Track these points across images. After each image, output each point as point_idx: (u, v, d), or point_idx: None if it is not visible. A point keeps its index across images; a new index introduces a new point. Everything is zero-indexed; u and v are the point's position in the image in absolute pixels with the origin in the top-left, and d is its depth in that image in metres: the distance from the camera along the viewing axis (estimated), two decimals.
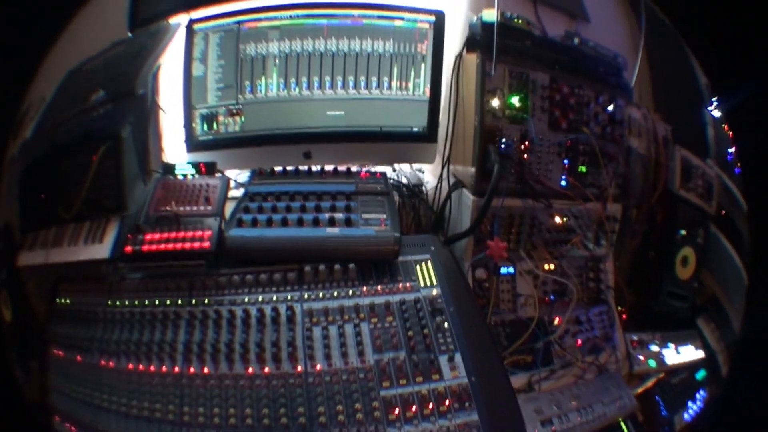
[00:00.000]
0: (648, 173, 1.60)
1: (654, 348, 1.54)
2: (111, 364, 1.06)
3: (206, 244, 1.17)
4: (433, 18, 1.49)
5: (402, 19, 1.48)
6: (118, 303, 1.14)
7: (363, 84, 1.50)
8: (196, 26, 1.46)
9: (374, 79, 1.50)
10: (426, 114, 1.54)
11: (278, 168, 1.53)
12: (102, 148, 1.28)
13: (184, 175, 1.41)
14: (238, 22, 1.45)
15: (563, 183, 1.46)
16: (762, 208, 1.42)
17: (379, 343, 1.04)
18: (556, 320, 1.44)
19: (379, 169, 1.56)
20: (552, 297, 1.46)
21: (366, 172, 1.52)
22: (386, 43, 1.48)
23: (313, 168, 1.52)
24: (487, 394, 0.98)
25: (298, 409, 0.94)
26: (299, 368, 1.01)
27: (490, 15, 1.36)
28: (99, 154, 1.27)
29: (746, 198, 1.50)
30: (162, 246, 1.16)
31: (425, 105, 1.53)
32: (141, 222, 1.22)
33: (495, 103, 1.37)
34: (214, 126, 1.51)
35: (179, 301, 1.12)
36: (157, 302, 1.13)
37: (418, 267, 1.20)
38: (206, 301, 1.12)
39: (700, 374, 1.59)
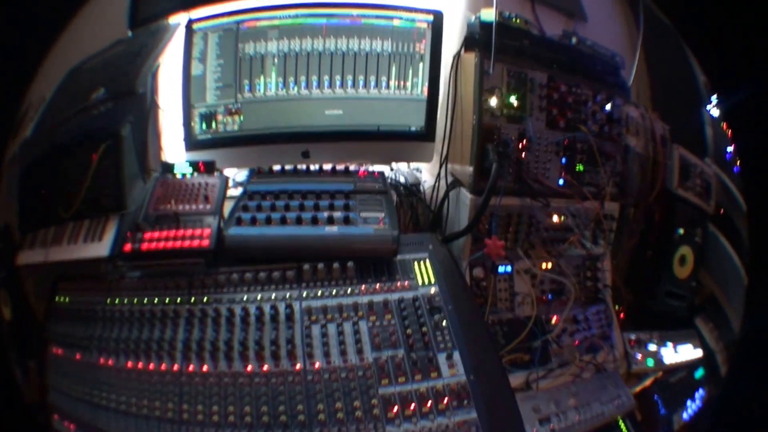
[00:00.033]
0: (646, 172, 1.60)
1: (652, 347, 1.54)
2: (110, 362, 1.06)
3: (205, 243, 1.17)
4: (431, 18, 1.49)
5: (400, 18, 1.48)
6: (117, 301, 1.15)
7: (361, 83, 1.50)
8: (195, 25, 1.46)
9: (372, 78, 1.50)
10: (424, 113, 1.54)
11: (277, 167, 1.54)
12: (102, 146, 1.28)
13: (183, 174, 1.41)
14: (237, 22, 1.45)
15: (561, 182, 1.46)
16: (761, 207, 1.42)
17: (377, 341, 1.05)
18: (554, 319, 1.44)
19: (377, 168, 1.57)
20: (549, 296, 1.46)
21: (364, 171, 1.52)
22: (384, 42, 1.48)
23: (312, 167, 1.53)
24: (486, 392, 0.99)
25: (297, 407, 0.95)
26: (298, 366, 1.01)
27: (489, 14, 1.37)
28: (99, 153, 1.28)
29: (745, 197, 1.49)
30: (161, 244, 1.16)
31: (423, 104, 1.53)
32: (140, 220, 1.23)
33: (493, 102, 1.38)
34: (213, 125, 1.51)
35: (178, 300, 1.12)
36: (156, 300, 1.13)
37: (416, 265, 1.21)
38: (205, 299, 1.12)
39: (699, 373, 1.58)
